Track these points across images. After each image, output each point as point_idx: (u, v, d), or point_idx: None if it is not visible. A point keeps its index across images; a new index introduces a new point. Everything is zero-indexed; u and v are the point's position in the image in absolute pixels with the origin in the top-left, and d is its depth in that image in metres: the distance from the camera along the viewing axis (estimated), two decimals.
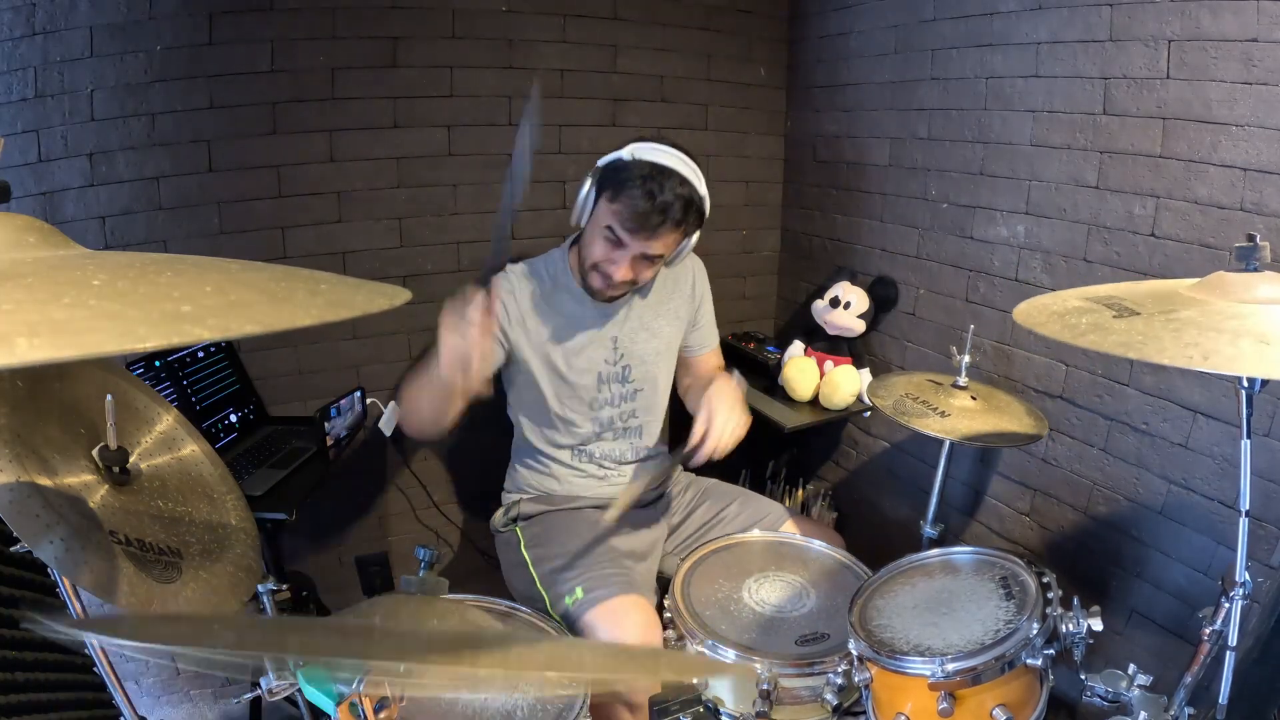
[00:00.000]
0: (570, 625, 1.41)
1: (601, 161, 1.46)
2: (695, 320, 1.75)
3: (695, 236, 1.51)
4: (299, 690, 0.72)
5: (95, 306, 0.43)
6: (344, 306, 0.53)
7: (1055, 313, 0.94)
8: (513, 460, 1.75)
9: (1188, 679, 1.07)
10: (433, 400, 1.36)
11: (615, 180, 1.41)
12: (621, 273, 1.44)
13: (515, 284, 1.55)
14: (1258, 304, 0.85)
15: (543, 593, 1.48)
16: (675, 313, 1.69)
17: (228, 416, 1.72)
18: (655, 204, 1.38)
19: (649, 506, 1.71)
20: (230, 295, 0.49)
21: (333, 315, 0.51)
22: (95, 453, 0.91)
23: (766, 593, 1.43)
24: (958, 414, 1.49)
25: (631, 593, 1.41)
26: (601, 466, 1.67)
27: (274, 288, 0.52)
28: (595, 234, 1.45)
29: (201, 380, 1.68)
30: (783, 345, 2.22)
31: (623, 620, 1.36)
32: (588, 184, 1.44)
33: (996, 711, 1.04)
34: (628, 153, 1.43)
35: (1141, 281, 1.08)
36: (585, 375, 1.59)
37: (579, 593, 1.41)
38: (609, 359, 1.60)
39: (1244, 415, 0.95)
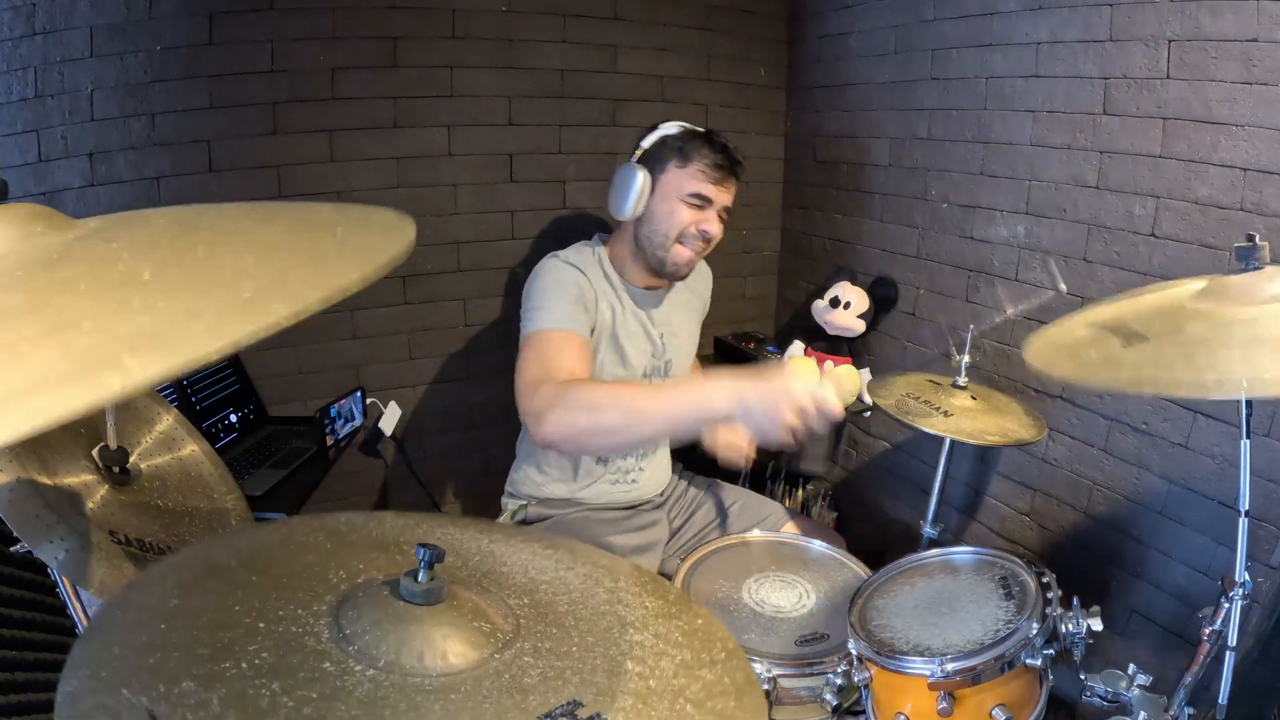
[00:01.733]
0: None
1: (646, 143, 1.50)
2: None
3: None
4: None
5: (168, 307, 0.42)
6: (373, 253, 0.52)
7: (1065, 347, 0.93)
8: (520, 462, 1.69)
9: (1188, 679, 1.07)
10: (649, 430, 1.27)
11: (676, 150, 1.48)
12: (716, 228, 1.51)
13: (578, 268, 1.50)
14: (1264, 305, 0.84)
15: None
16: (696, 314, 1.73)
17: (228, 416, 1.72)
18: (728, 154, 1.49)
19: (654, 509, 1.71)
20: (273, 264, 0.48)
21: (371, 267, 0.48)
22: (95, 453, 0.91)
23: (766, 593, 1.43)
24: (958, 414, 1.49)
25: None
26: (616, 470, 1.66)
27: (303, 244, 0.51)
28: (673, 205, 1.48)
29: (201, 380, 1.68)
30: (783, 345, 2.21)
31: None
32: (639, 172, 1.47)
33: (996, 711, 1.04)
34: (664, 129, 1.50)
35: (1143, 294, 1.05)
36: (636, 371, 1.59)
37: None
38: (655, 353, 1.61)
39: (1244, 415, 0.95)
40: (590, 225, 2.11)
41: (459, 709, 0.55)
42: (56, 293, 0.45)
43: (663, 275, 1.55)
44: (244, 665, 0.54)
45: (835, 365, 2.06)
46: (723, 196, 1.50)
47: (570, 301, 1.44)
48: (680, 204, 1.48)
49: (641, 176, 1.47)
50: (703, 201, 1.48)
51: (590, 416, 1.21)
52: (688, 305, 1.70)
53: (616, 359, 1.56)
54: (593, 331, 1.48)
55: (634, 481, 1.67)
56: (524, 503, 1.67)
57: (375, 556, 0.72)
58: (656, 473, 1.71)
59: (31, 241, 0.51)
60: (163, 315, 0.41)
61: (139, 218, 0.56)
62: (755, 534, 1.62)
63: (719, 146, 1.49)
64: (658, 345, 1.61)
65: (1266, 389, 0.77)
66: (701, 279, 1.76)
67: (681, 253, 1.51)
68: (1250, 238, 0.89)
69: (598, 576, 0.77)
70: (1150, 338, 0.86)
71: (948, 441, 1.56)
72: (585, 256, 1.56)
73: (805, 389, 1.08)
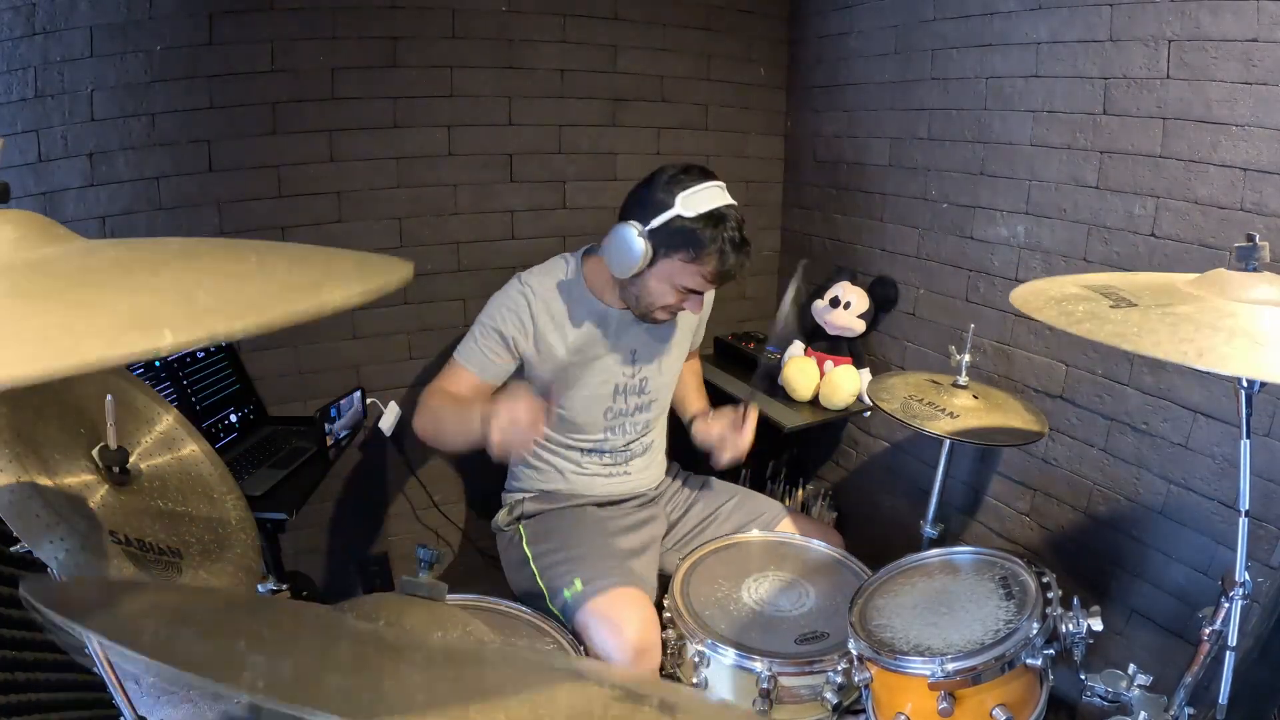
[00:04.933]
0: (568, 618, 1.41)
1: (656, 222, 1.39)
2: (697, 327, 1.78)
3: None
4: None
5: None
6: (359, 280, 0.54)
7: (1052, 298, 0.93)
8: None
9: (1188, 679, 1.07)
10: (457, 440, 1.44)
11: (685, 241, 1.40)
12: (696, 308, 1.52)
13: (533, 295, 1.53)
14: (1254, 304, 0.85)
15: (543, 588, 1.49)
16: (686, 325, 1.71)
17: (228, 416, 1.72)
18: (737, 256, 1.42)
19: (649, 503, 1.72)
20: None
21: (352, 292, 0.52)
22: (95, 453, 0.91)
23: (766, 592, 1.43)
24: (959, 414, 1.49)
25: (630, 585, 1.41)
26: (607, 465, 1.67)
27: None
28: (666, 288, 1.46)
29: (201, 380, 1.68)
30: (782, 345, 2.21)
31: (620, 612, 1.36)
32: (642, 246, 1.39)
33: (996, 711, 1.04)
34: (681, 206, 1.38)
35: (1141, 273, 1.08)
36: (603, 387, 1.59)
37: (577, 584, 1.41)
38: (627, 371, 1.61)
39: (1243, 415, 0.95)
40: (590, 225, 2.11)
41: (460, 672, 0.54)
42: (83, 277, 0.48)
43: (641, 318, 1.56)
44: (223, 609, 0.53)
45: (835, 365, 2.07)
46: (713, 289, 1.50)
47: (490, 339, 1.52)
48: (673, 289, 1.45)
49: (644, 251, 1.40)
50: (696, 292, 1.47)
51: (428, 426, 1.50)
52: (674, 321, 1.66)
53: (581, 378, 1.57)
54: (522, 366, 1.56)
55: (627, 474, 1.68)
56: (521, 497, 1.68)
57: None
58: (650, 468, 1.72)
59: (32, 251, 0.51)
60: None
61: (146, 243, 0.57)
62: (755, 533, 1.62)
63: (730, 252, 1.40)
64: (630, 363, 1.61)
65: (1246, 370, 0.79)
66: None
67: (660, 316, 1.53)
68: (1250, 238, 0.89)
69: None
70: (1139, 306, 0.87)
71: (947, 442, 1.56)
72: (549, 281, 1.55)
73: (498, 412, 1.30)
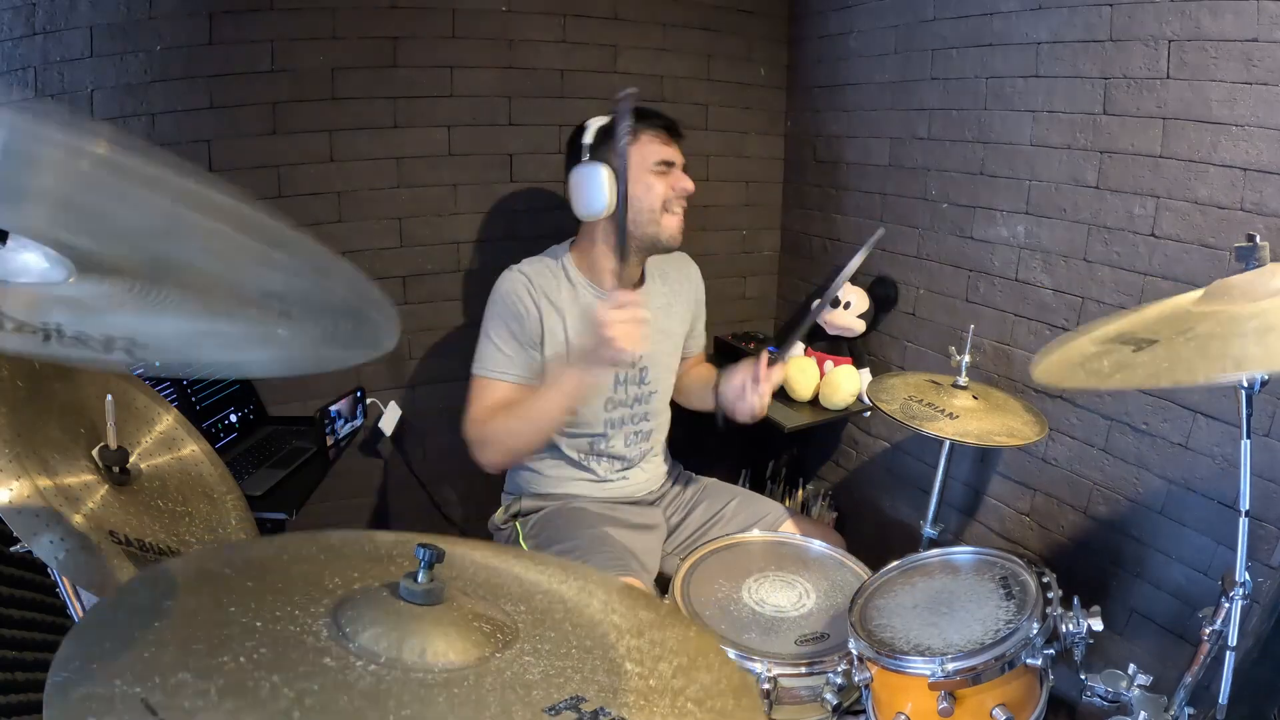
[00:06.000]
0: None
1: (588, 139, 1.52)
2: (693, 320, 1.78)
3: None
4: None
5: None
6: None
7: (1075, 362, 0.93)
8: None
9: (1188, 679, 1.07)
10: (540, 438, 1.48)
11: (618, 131, 1.46)
12: (690, 183, 1.56)
13: (529, 281, 1.54)
14: (1269, 298, 0.84)
15: None
16: (681, 316, 1.72)
17: (228, 416, 1.72)
18: (664, 116, 1.56)
19: (649, 505, 1.71)
20: None
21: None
22: (95, 453, 0.91)
23: (766, 593, 1.43)
24: (963, 415, 1.49)
25: (628, 576, 1.41)
26: (606, 469, 1.66)
27: None
28: (644, 179, 1.51)
29: (201, 380, 1.68)
30: (783, 345, 2.21)
31: None
32: (600, 168, 1.47)
33: (996, 711, 1.04)
34: (595, 123, 1.53)
35: (1143, 310, 1.05)
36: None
37: None
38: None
39: (1244, 415, 0.95)
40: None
41: (463, 702, 0.54)
42: None
43: (658, 250, 1.58)
44: (242, 660, 0.54)
45: (835, 365, 2.07)
46: (679, 154, 1.56)
47: (507, 339, 1.51)
48: (650, 176, 1.51)
49: (602, 169, 1.47)
50: (667, 164, 1.53)
51: (505, 446, 1.47)
52: (668, 308, 1.68)
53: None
54: (542, 341, 1.53)
55: (624, 478, 1.67)
56: (517, 496, 1.68)
57: (370, 567, 0.72)
58: (647, 473, 1.72)
59: None
60: None
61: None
62: (755, 534, 1.62)
63: (654, 114, 1.54)
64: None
65: None
66: (686, 279, 1.75)
67: (671, 220, 1.55)
68: (1250, 238, 0.89)
69: (590, 589, 0.78)
70: (1161, 341, 0.86)
71: (947, 441, 1.56)
72: (543, 267, 1.57)
73: (600, 318, 1.29)
